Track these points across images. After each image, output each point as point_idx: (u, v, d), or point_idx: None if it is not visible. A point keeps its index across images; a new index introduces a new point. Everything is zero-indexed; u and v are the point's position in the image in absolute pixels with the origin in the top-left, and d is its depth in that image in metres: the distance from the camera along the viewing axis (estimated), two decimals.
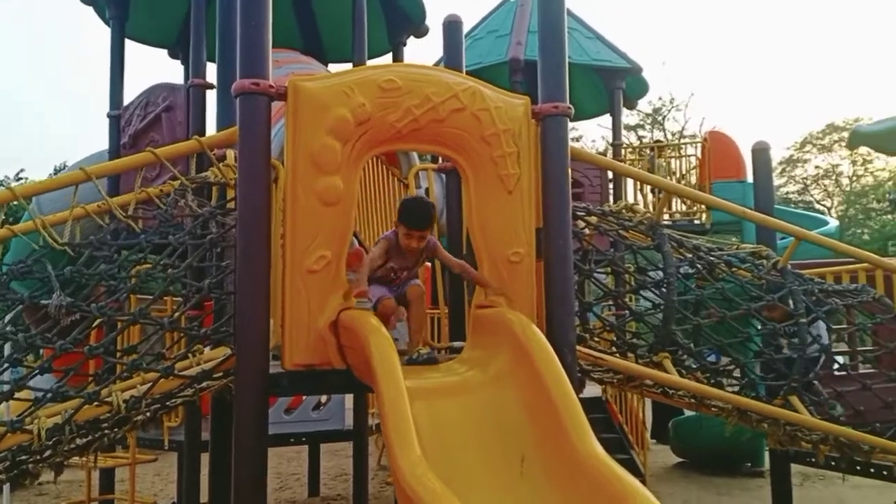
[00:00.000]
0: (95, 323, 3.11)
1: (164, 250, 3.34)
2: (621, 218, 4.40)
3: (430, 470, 2.32)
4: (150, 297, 3.59)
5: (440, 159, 5.09)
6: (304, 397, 6.55)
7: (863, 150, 34.65)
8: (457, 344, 4.11)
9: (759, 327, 4.51)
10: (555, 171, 3.65)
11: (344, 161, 3.25)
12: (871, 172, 35.75)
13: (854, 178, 36.67)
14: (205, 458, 4.66)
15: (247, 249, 3.15)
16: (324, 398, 6.60)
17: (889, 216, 29.32)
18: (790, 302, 4.33)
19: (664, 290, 4.14)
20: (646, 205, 10.02)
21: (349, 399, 6.46)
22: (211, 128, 4.77)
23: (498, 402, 2.95)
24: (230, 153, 3.70)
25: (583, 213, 4.30)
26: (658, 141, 16.09)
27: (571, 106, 3.72)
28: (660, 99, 32.50)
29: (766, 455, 7.42)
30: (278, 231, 3.33)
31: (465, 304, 4.42)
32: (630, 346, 4.24)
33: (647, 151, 12.15)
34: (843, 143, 35.44)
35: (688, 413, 8.90)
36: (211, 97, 5.24)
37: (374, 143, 3.37)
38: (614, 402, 8.43)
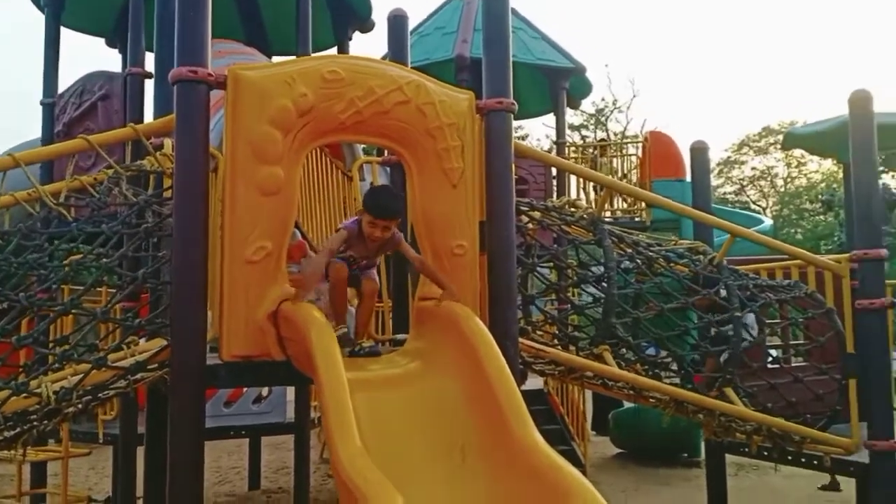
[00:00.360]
0: (24, 313, 3.00)
1: (96, 240, 3.24)
2: (564, 213, 4.44)
3: (370, 461, 2.31)
4: (82, 287, 3.48)
5: (385, 152, 5.07)
6: (244, 390, 6.44)
7: (797, 152, 35.90)
8: (400, 336, 4.09)
9: (696, 321, 4.61)
10: (498, 166, 3.66)
11: (285, 151, 3.20)
12: (805, 175, 36.99)
13: (788, 180, 37.86)
14: (141, 452, 4.56)
15: (184, 239, 3.07)
16: (265, 391, 6.51)
17: (821, 217, 30.33)
18: (723, 294, 4.44)
19: (605, 284, 4.21)
20: (589, 202, 10.15)
21: (290, 392, 6.39)
22: (149, 118, 4.65)
23: (439, 393, 2.95)
24: (167, 142, 3.62)
25: (526, 208, 4.33)
26: (601, 140, 16.30)
27: (515, 102, 3.74)
28: (602, 100, 32.97)
29: (703, 446, 7.62)
30: (217, 221, 3.27)
31: (409, 297, 4.44)
32: (571, 339, 4.29)
33: (591, 150, 12.33)
34: (779, 146, 36.61)
35: (627, 405, 9.07)
36: (149, 87, 5.13)
37: (317, 133, 3.33)
38: (556, 394, 8.55)
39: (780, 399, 4.49)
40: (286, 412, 6.31)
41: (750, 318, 4.55)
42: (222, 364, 3.09)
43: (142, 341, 3.37)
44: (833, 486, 6.97)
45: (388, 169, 5.23)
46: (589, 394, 9.41)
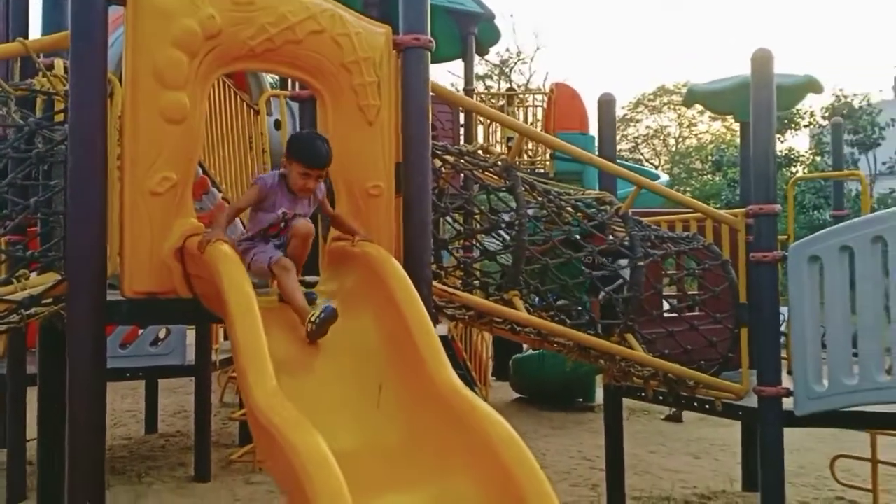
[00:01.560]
0: None
1: None
2: (477, 158, 4.42)
3: (287, 400, 2.24)
4: None
5: (294, 86, 4.87)
6: (139, 331, 6.20)
7: (689, 113, 37.25)
8: (309, 278, 4.00)
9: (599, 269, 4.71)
10: (415, 106, 3.56)
11: (191, 76, 3.00)
12: (696, 135, 38.48)
13: (680, 140, 39.29)
14: (31, 394, 4.33)
15: (80, 167, 2.85)
16: (162, 333, 6.28)
17: (710, 176, 31.69)
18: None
19: (515, 231, 4.23)
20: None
21: (190, 334, 6.19)
22: (35, 35, 4.29)
23: (354, 334, 2.90)
24: (59, 62, 3.34)
25: (441, 152, 4.28)
26: (509, 89, 16.32)
27: (433, 39, 3.65)
28: (507, 51, 33.02)
29: (598, 391, 7.92)
30: (113, 150, 3.05)
31: (319, 240, 4.33)
32: (483, 285, 4.32)
33: (501, 100, 12.32)
34: (672, 106, 37.83)
35: (527, 352, 9.30)
36: (34, 3, 4.71)
37: (225, 59, 3.14)
38: (459, 340, 8.66)
39: (677, 346, 4.68)
40: (185, 354, 6.10)
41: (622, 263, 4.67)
42: (124, 300, 2.92)
43: (32, 275, 3.14)
44: (675, 418, 7.40)
45: (294, 104, 5.05)
46: (490, 341, 9.60)
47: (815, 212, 21.07)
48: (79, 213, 2.85)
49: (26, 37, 4.74)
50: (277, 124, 6.13)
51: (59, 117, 3.21)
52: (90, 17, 2.92)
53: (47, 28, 3.52)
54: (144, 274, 2.91)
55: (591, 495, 5.31)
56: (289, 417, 2.14)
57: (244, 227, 3.75)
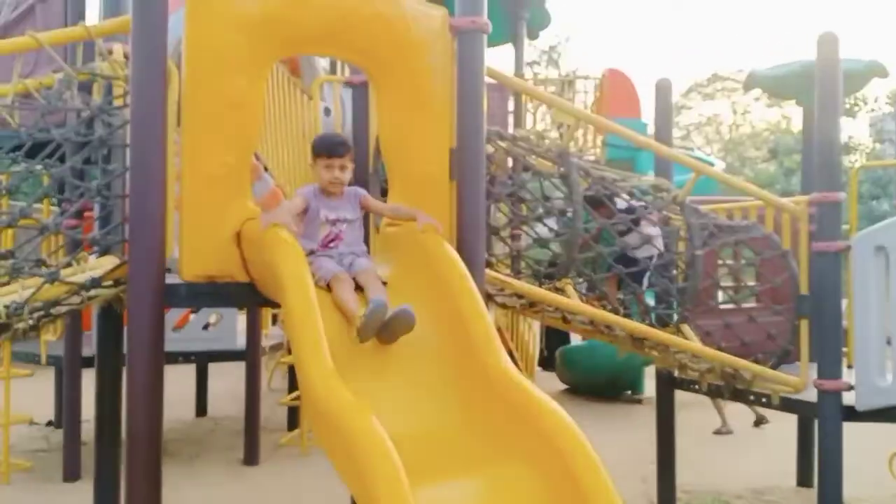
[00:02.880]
0: None
1: (37, 152, 3.02)
2: (531, 144, 4.36)
3: (343, 382, 2.24)
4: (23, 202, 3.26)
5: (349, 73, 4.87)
6: (191, 316, 6.30)
7: (743, 100, 36.43)
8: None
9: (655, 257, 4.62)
10: (470, 90, 3.52)
11: (250, 60, 3.02)
12: (750, 122, 37.60)
13: (734, 128, 38.45)
14: (86, 376, 4.43)
15: (142, 150, 2.89)
16: (213, 318, 6.37)
17: (765, 164, 30.99)
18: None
19: (570, 217, 4.16)
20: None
21: (241, 319, 6.26)
22: (92, 21, 4.35)
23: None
24: (118, 47, 3.38)
25: (494, 137, 4.23)
26: (567, 74, 16.08)
27: (489, 22, 3.59)
28: (556, 36, 32.68)
29: (646, 384, 7.81)
30: (171, 135, 3.08)
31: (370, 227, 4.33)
32: (533, 273, 4.26)
33: (551, 86, 12.15)
34: (727, 93, 37.02)
35: (574, 343, 9.21)
36: None
37: (283, 43, 3.16)
38: (507, 330, 8.63)
39: (734, 338, 4.57)
40: (236, 339, 6.18)
41: (654, 231, 4.55)
42: (183, 284, 2.95)
43: (91, 258, 3.20)
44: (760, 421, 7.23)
45: (347, 91, 5.05)
46: (538, 332, 9.53)
47: (874, 202, 20.45)
48: (139, 196, 2.88)
49: (84, 21, 4.85)
50: (327, 111, 6.16)
51: (119, 101, 3.24)
52: (151, 1, 2.95)
53: (107, 12, 3.57)
54: (202, 258, 2.94)
55: (641, 487, 5.24)
56: (346, 401, 2.14)
57: None
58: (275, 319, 7.78)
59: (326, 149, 3.10)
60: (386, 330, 2.68)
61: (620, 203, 4.39)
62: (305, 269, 2.67)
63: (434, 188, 3.40)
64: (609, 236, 4.40)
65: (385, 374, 2.66)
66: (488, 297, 4.10)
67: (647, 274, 4.57)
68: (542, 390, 2.53)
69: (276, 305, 2.94)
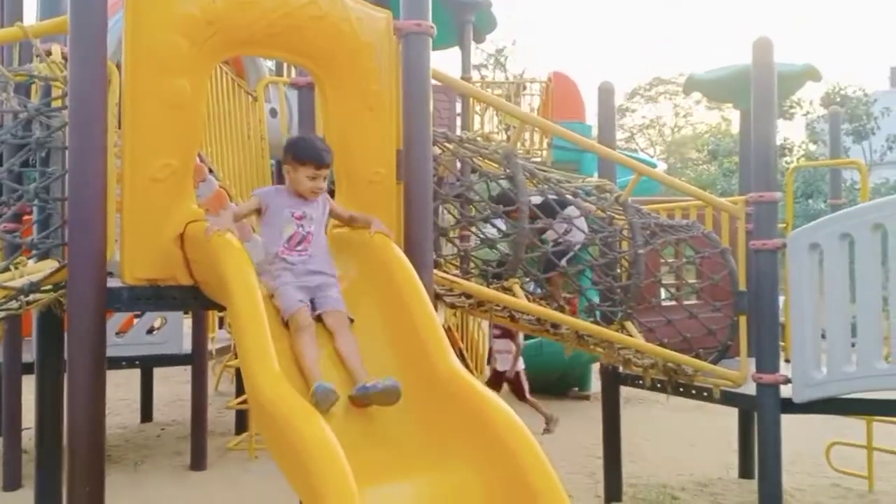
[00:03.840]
0: None
1: None
2: (478, 145, 4.40)
3: (291, 388, 2.23)
4: None
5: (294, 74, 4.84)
6: (135, 320, 6.18)
7: (684, 103, 37.25)
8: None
9: (597, 257, 4.71)
10: (416, 92, 3.54)
11: (191, 62, 2.98)
12: (692, 124, 38.48)
13: (675, 130, 39.29)
14: (26, 382, 4.31)
15: (81, 152, 2.83)
16: (157, 322, 6.26)
17: (706, 166, 31.71)
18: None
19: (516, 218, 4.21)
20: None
21: (186, 323, 6.17)
22: (29, 21, 4.24)
23: (357, 320, 2.88)
24: (56, 48, 3.30)
25: (441, 139, 4.26)
26: (514, 77, 16.23)
27: (434, 25, 3.62)
28: (502, 39, 32.88)
29: (593, 381, 7.93)
30: (112, 137, 3.03)
31: None
32: (481, 273, 4.31)
33: (498, 89, 12.25)
34: (668, 96, 37.80)
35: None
36: None
37: (226, 45, 3.11)
38: (456, 330, 8.67)
39: (676, 334, 4.69)
40: (182, 343, 6.08)
41: (574, 212, 4.63)
42: (124, 287, 2.90)
43: (30, 263, 3.12)
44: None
45: (293, 92, 5.01)
46: (487, 330, 9.60)
47: (809, 200, 21.12)
48: (79, 199, 2.82)
49: (21, 21, 4.72)
50: (273, 112, 6.10)
51: (57, 103, 3.18)
52: (90, 1, 2.89)
53: (45, 12, 3.49)
54: (145, 260, 2.90)
55: (588, 482, 5.33)
56: (294, 405, 2.13)
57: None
58: (221, 323, 7.68)
59: (313, 157, 2.96)
60: (365, 399, 2.51)
61: (535, 199, 4.43)
62: (251, 272, 2.65)
63: (381, 189, 3.41)
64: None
65: (332, 373, 2.65)
66: (437, 298, 4.13)
67: (569, 255, 4.64)
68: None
69: (220, 308, 2.91)
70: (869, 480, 5.23)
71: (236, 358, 5.87)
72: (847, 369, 3.92)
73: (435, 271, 3.81)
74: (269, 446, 2.33)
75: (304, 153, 2.96)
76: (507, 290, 4.21)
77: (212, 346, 6.30)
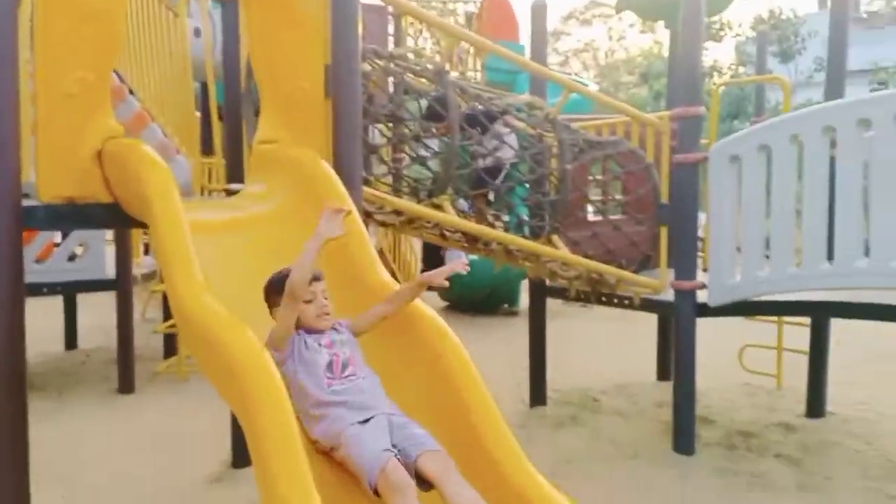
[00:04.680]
0: None
1: None
2: (409, 62, 4.35)
3: (216, 299, 2.23)
4: None
5: None
6: (54, 248, 6.01)
7: (618, 27, 37.21)
8: (234, 186, 3.94)
9: (526, 173, 4.78)
10: (344, 6, 3.46)
11: None
12: (625, 48, 38.58)
13: (609, 54, 39.36)
14: None
15: None
16: (79, 249, 6.10)
17: (637, 89, 31.99)
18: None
19: (446, 136, 4.22)
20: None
21: (109, 250, 6.02)
22: None
23: (285, 237, 2.87)
24: None
25: (371, 55, 4.19)
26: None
27: None
28: None
29: (523, 297, 8.12)
30: (25, 53, 2.89)
31: (244, 147, 4.24)
32: (412, 190, 4.33)
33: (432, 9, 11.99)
34: (603, 19, 37.71)
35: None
36: None
37: None
38: (389, 252, 8.74)
39: (600, 246, 4.83)
40: (104, 269, 5.95)
41: (503, 129, 4.70)
42: (41, 205, 2.82)
43: None
44: None
45: (216, 9, 4.83)
46: (419, 252, 9.70)
47: (735, 121, 21.63)
48: None
49: None
50: (197, 32, 5.87)
51: None
52: None
53: None
54: (61, 178, 2.82)
55: (515, 391, 5.53)
56: (219, 315, 2.13)
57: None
58: (147, 249, 7.53)
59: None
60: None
61: (464, 109, 4.45)
62: (173, 186, 2.60)
63: (308, 106, 3.36)
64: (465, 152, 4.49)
65: (259, 290, 2.66)
66: (367, 215, 4.14)
67: (504, 172, 4.70)
68: None
69: (142, 225, 2.86)
70: (777, 379, 5.58)
71: (162, 283, 5.81)
72: (760, 274, 4.13)
73: (365, 188, 3.81)
74: (198, 360, 2.34)
75: (282, 282, 2.26)
76: (438, 206, 4.25)
77: (137, 272, 6.18)
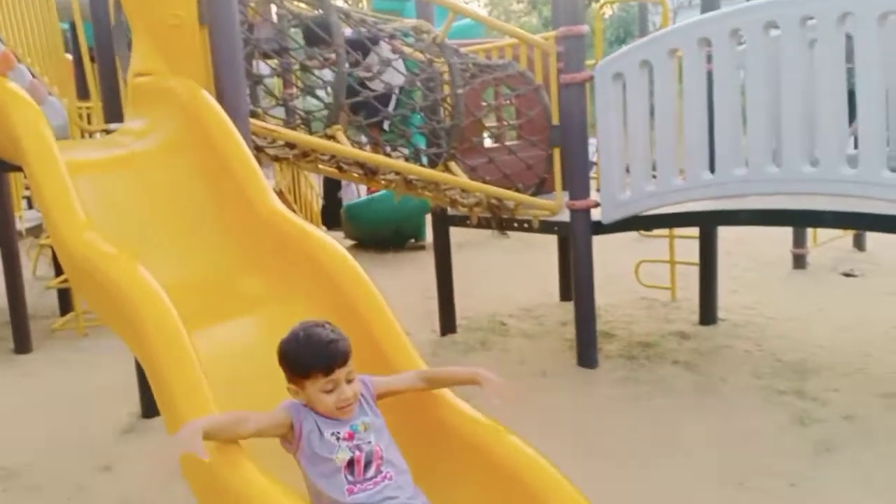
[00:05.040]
0: None
1: None
2: None
3: (101, 237, 2.15)
4: None
5: None
6: None
7: None
8: (112, 126, 3.75)
9: (420, 100, 4.75)
10: None
11: None
12: None
13: None
14: None
15: None
16: None
17: (527, 17, 32.01)
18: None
19: (334, 65, 4.12)
20: None
21: None
22: None
23: (170, 172, 2.80)
24: None
25: None
26: None
27: None
28: None
29: (428, 231, 8.18)
30: None
31: (120, 85, 4.04)
32: (304, 121, 4.24)
33: None
34: None
35: (357, 200, 9.39)
36: None
37: None
38: (288, 193, 8.59)
39: (497, 172, 4.88)
40: None
41: (389, 53, 4.69)
42: None
43: None
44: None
45: None
46: (320, 190, 9.58)
47: (618, 45, 22.06)
48: None
49: None
50: None
51: None
52: None
53: None
54: None
55: (425, 321, 5.61)
56: (105, 252, 2.07)
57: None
58: (30, 203, 7.13)
59: (314, 363, 1.84)
60: None
61: (346, 31, 4.37)
62: (46, 128, 2.47)
63: (183, 34, 3.21)
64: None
65: (148, 226, 2.58)
66: (258, 150, 4.04)
67: (394, 98, 4.68)
68: None
69: (16, 169, 2.71)
70: (672, 291, 5.86)
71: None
72: (648, 188, 4.28)
73: (253, 121, 3.71)
74: (88, 301, 2.27)
75: (300, 364, 1.86)
76: (332, 138, 4.19)
77: (21, 226, 5.86)
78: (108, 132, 3.65)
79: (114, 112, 3.93)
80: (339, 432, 1.84)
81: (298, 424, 1.83)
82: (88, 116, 5.85)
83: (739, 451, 3.37)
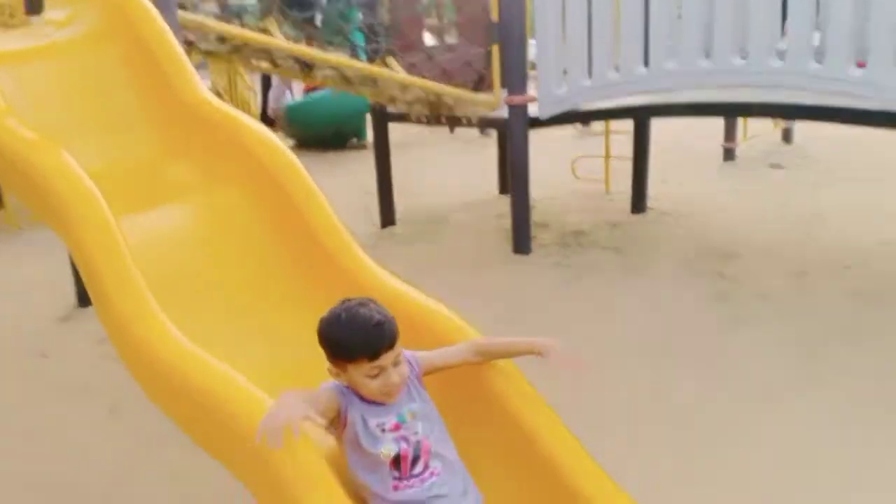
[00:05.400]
0: None
1: None
2: None
3: (22, 124, 2.12)
4: None
5: None
6: None
7: None
8: (33, 18, 3.61)
9: None
10: None
11: None
12: None
13: None
14: None
15: None
16: None
17: None
18: None
19: None
20: None
21: None
22: None
23: (93, 62, 2.72)
24: None
25: None
26: None
27: None
28: None
29: (368, 131, 8.13)
30: None
31: None
32: (237, 13, 4.15)
33: None
34: None
35: (298, 100, 9.24)
36: None
37: None
38: (225, 92, 8.39)
39: (436, 68, 4.87)
40: None
41: None
42: None
43: None
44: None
45: None
46: (258, 90, 9.38)
47: None
48: None
49: None
50: None
51: None
52: None
53: None
54: None
55: (365, 215, 5.66)
56: (27, 138, 2.04)
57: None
58: None
59: (358, 349, 1.65)
60: None
61: None
62: None
63: None
64: None
65: (70, 114, 2.54)
66: (189, 45, 3.96)
67: None
68: None
69: None
70: (606, 184, 6.01)
71: None
72: (584, 83, 4.34)
73: (183, 13, 3.62)
74: (14, 191, 2.25)
75: (343, 347, 1.67)
76: (265, 30, 4.11)
77: None
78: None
79: (35, 3, 3.77)
80: (384, 423, 1.68)
81: (345, 411, 1.69)
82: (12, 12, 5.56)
83: (661, 323, 3.60)
